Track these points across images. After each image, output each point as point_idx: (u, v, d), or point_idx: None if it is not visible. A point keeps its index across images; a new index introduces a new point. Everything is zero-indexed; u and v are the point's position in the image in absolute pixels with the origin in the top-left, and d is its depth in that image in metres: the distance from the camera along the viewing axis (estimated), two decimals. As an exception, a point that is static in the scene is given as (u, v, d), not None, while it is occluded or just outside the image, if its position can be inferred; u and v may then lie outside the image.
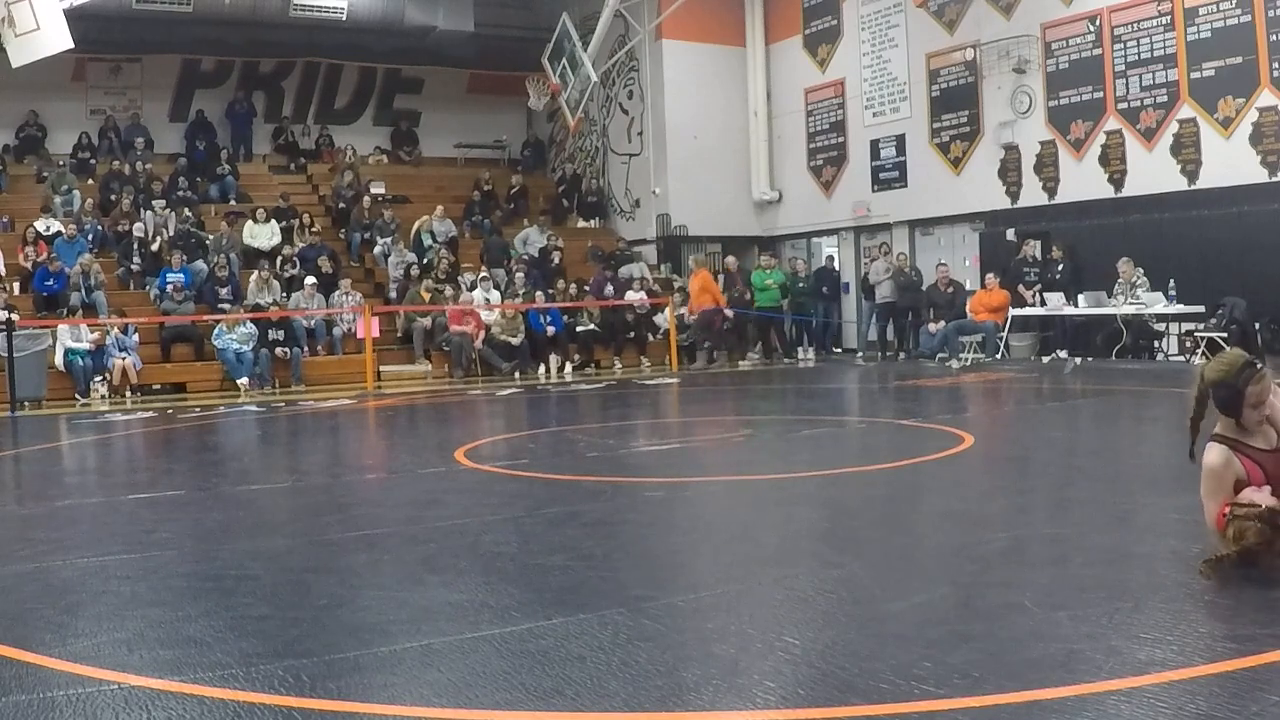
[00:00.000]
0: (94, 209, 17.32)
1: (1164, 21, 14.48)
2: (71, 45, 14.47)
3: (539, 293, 17.12)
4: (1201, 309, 13.22)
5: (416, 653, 3.12)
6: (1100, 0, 15.16)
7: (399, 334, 16.68)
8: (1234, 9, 13.72)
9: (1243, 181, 13.57)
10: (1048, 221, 15.94)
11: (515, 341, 16.13)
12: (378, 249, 18.12)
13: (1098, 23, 15.24)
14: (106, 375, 13.95)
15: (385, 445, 9.60)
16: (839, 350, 18.39)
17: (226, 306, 15.41)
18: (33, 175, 18.74)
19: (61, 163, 18.59)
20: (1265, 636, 2.98)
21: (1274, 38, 13.38)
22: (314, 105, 22.06)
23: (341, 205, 19.02)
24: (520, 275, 17.49)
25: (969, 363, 14.83)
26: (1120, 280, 13.98)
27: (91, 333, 14.13)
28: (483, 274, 17.35)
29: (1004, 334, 15.17)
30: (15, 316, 13.44)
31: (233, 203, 18.97)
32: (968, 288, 16.30)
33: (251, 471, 7.95)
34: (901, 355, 17.02)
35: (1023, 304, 15.26)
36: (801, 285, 18.23)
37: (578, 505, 5.60)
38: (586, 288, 17.82)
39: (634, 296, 17.66)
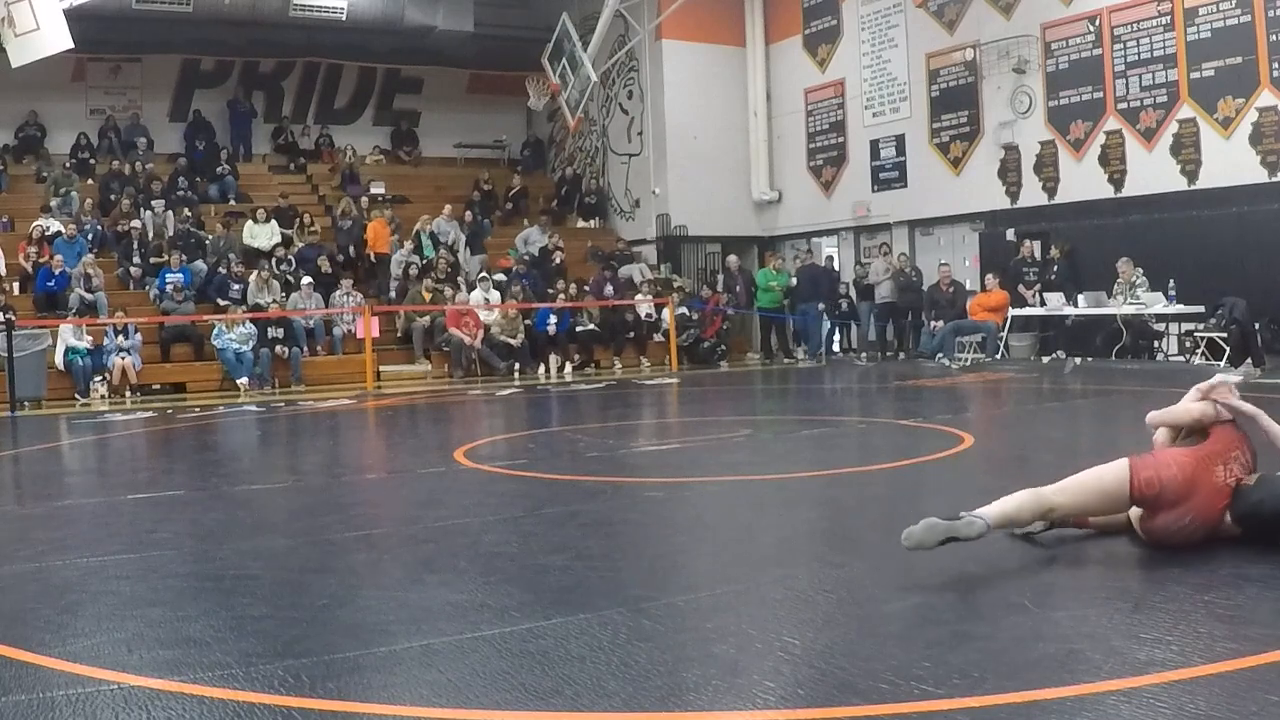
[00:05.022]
0: (94, 209, 17.33)
1: (1164, 21, 14.49)
2: (71, 45, 14.46)
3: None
4: (1201, 309, 13.22)
5: (416, 653, 3.12)
6: (1100, 0, 15.16)
7: (399, 334, 16.68)
8: (1234, 9, 13.72)
9: (1243, 181, 13.57)
10: (1047, 221, 15.95)
11: (515, 342, 16.13)
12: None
13: (1097, 23, 15.25)
14: (106, 375, 13.95)
15: (385, 445, 9.60)
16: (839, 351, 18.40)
17: (231, 304, 15.41)
18: (32, 175, 18.75)
19: (66, 165, 18.59)
20: (1265, 636, 2.98)
21: (1274, 38, 13.38)
22: (314, 105, 22.07)
23: (340, 238, 18.21)
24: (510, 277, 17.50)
25: (969, 363, 14.83)
26: (1120, 280, 13.98)
27: (88, 333, 14.13)
28: (481, 274, 17.36)
29: (1004, 334, 15.18)
30: (12, 317, 13.41)
31: (232, 203, 18.98)
32: (968, 288, 16.30)
33: (251, 471, 7.95)
34: (901, 355, 17.03)
35: (1022, 304, 15.27)
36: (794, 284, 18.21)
37: (578, 505, 5.59)
38: (586, 288, 17.82)
39: (642, 305, 17.67)
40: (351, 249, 17.78)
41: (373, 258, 17.82)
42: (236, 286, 15.67)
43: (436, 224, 18.53)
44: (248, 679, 2.91)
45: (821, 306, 17.87)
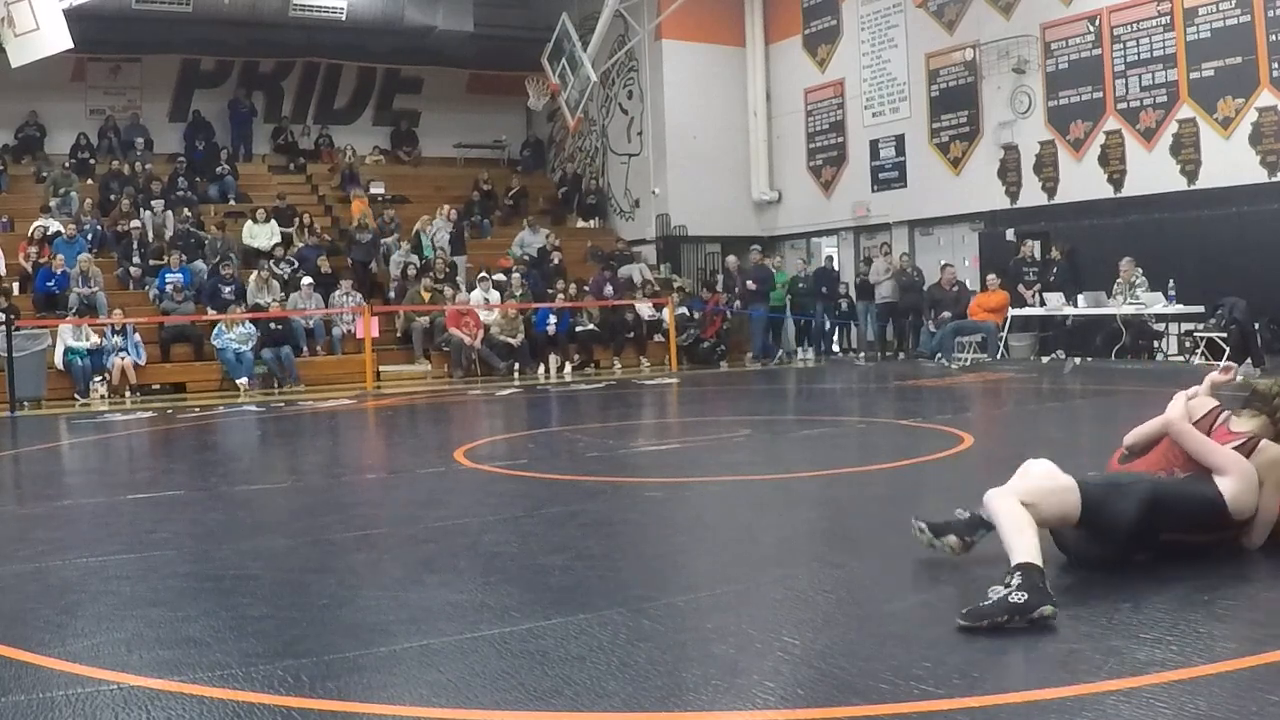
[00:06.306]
0: (94, 209, 17.33)
1: (1164, 21, 14.49)
2: (71, 45, 14.47)
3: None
4: (1201, 309, 13.22)
5: (416, 653, 3.12)
6: (1100, 0, 15.17)
7: (398, 334, 16.67)
8: (1234, 9, 13.73)
9: (1242, 181, 13.58)
10: (1047, 221, 15.95)
11: (514, 342, 16.13)
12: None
13: (1097, 23, 15.25)
14: (106, 375, 13.94)
15: (385, 445, 9.60)
16: (838, 351, 18.40)
17: (229, 302, 15.40)
18: (32, 175, 18.75)
19: (65, 165, 18.59)
20: (1265, 636, 2.98)
21: (1273, 38, 13.38)
22: (313, 105, 22.08)
23: (356, 252, 17.78)
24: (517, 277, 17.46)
25: (968, 363, 14.83)
26: (1120, 280, 13.97)
27: (93, 334, 14.14)
28: (481, 274, 17.35)
29: (1004, 334, 15.17)
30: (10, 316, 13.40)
31: (232, 202, 18.97)
32: (969, 287, 16.29)
33: (251, 471, 7.95)
34: (901, 355, 17.02)
35: (1022, 304, 15.26)
36: (801, 285, 18.24)
37: (578, 505, 5.59)
38: (586, 288, 17.82)
39: (643, 309, 17.64)
40: (374, 265, 17.58)
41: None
42: (228, 289, 15.64)
43: (435, 224, 18.48)
44: (248, 679, 2.91)
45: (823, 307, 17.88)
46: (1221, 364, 4.20)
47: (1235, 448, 3.81)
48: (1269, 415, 3.90)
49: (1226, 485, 3.69)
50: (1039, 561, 3.27)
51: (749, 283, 17.69)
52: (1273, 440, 3.83)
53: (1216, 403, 4.05)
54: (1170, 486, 3.78)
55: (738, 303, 17.86)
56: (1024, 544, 3.33)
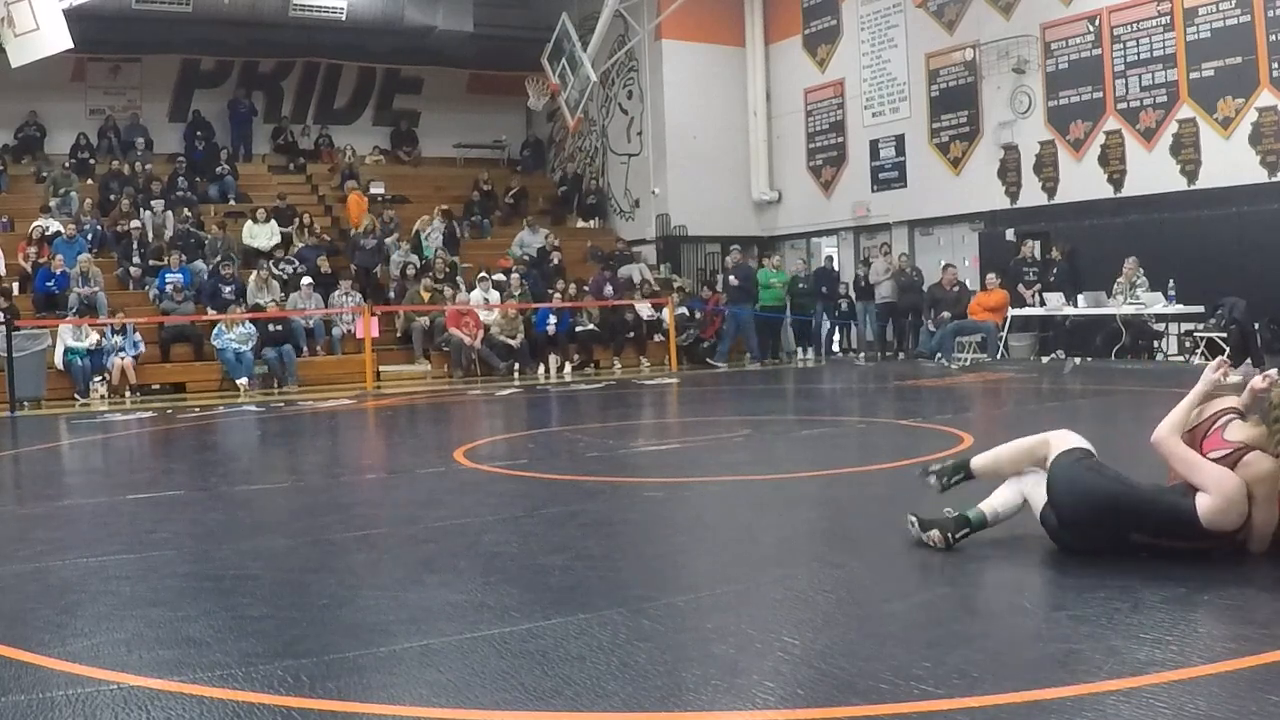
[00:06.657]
0: (93, 209, 17.33)
1: (1164, 21, 14.49)
2: (71, 45, 14.47)
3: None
4: (1201, 309, 13.22)
5: (416, 653, 3.12)
6: (1100, 0, 15.17)
7: (399, 334, 16.67)
8: (1234, 9, 13.73)
9: (1242, 181, 13.59)
10: (1047, 221, 15.95)
11: (514, 342, 16.12)
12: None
13: (1097, 23, 15.25)
14: (106, 375, 13.94)
15: (385, 445, 9.60)
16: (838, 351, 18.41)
17: (229, 302, 15.39)
18: (32, 175, 18.75)
19: (65, 165, 18.59)
20: (1265, 636, 2.98)
21: (1273, 38, 13.38)
22: (313, 105, 22.08)
23: (360, 258, 17.72)
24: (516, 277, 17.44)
25: (968, 363, 14.83)
26: (1121, 280, 13.97)
27: (92, 333, 14.15)
28: (481, 274, 17.35)
29: (1003, 334, 15.17)
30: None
31: (232, 203, 18.97)
32: (969, 287, 16.28)
33: (251, 471, 7.95)
34: (900, 355, 17.02)
35: (1022, 304, 15.26)
36: (801, 285, 18.22)
37: (578, 505, 5.59)
38: (586, 288, 17.82)
39: (643, 309, 17.62)
40: (379, 269, 17.54)
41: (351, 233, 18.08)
42: (228, 289, 15.63)
43: (434, 225, 18.46)
44: (248, 679, 2.91)
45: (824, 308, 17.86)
46: (1258, 370, 4.13)
47: (1222, 457, 3.76)
48: (1268, 426, 3.83)
49: (1203, 502, 3.68)
50: (969, 460, 4.49)
51: (730, 278, 17.59)
52: (1269, 450, 3.76)
53: (1230, 405, 3.98)
54: (1138, 492, 3.84)
55: (727, 310, 17.77)
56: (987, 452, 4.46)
